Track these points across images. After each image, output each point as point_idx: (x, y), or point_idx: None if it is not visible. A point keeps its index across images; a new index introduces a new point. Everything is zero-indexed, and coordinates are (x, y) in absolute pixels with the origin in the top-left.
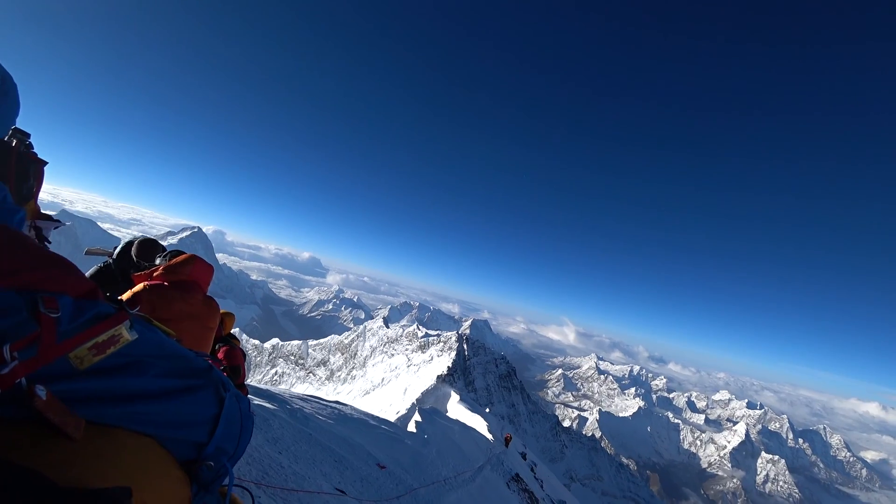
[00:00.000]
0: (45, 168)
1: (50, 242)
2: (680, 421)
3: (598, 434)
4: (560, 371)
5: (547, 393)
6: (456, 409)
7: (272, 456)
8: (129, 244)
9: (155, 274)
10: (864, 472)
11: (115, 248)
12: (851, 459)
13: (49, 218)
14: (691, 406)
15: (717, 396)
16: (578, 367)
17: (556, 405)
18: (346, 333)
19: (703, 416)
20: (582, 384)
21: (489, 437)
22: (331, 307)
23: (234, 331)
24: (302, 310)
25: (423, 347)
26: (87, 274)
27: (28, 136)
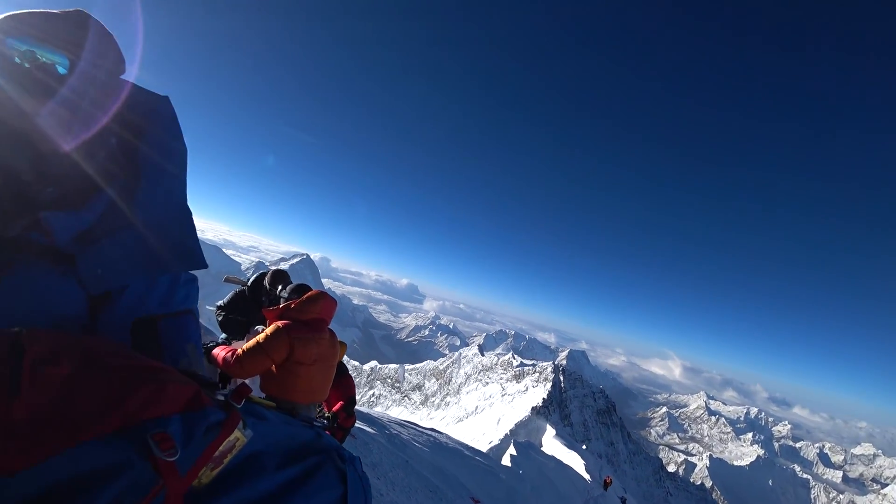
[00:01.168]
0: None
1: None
2: (810, 476)
3: (708, 483)
4: (664, 409)
5: (649, 432)
6: (551, 443)
7: (371, 481)
8: (262, 275)
9: (287, 311)
10: None
11: (250, 278)
12: None
13: None
14: (824, 459)
15: (857, 450)
16: (685, 405)
17: (660, 446)
18: (442, 359)
19: (840, 473)
20: (689, 425)
21: (586, 477)
22: (427, 333)
23: None
24: (399, 334)
25: (517, 377)
26: (224, 301)
27: None
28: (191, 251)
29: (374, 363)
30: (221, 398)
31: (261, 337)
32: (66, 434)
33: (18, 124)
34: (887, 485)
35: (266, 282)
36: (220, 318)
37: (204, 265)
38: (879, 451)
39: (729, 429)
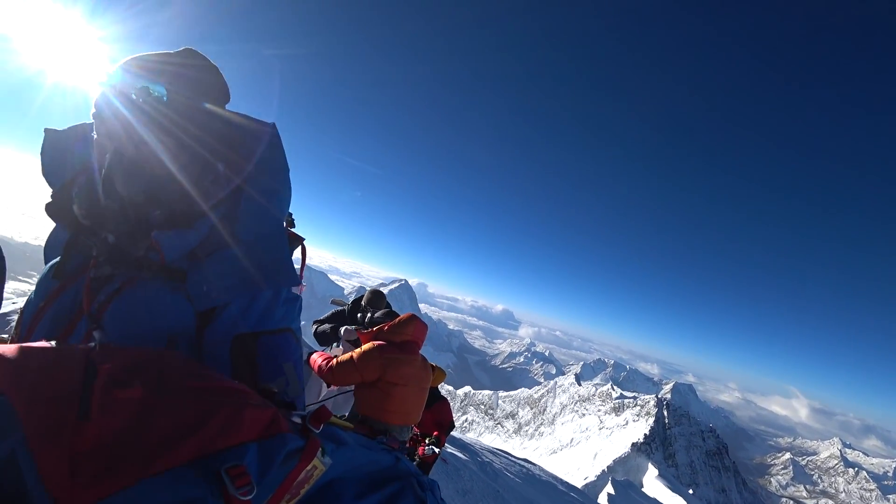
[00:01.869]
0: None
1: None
2: None
3: None
4: (788, 455)
5: (769, 481)
6: (653, 485)
7: None
8: (361, 297)
9: (380, 333)
10: None
11: (351, 300)
12: None
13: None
14: None
15: None
16: (815, 453)
17: (783, 499)
18: (536, 388)
19: None
20: (820, 476)
21: None
22: (522, 360)
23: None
24: (494, 360)
25: (617, 410)
26: (325, 315)
27: (291, 215)
28: (286, 269)
29: (467, 388)
30: (299, 420)
31: (356, 352)
32: (135, 466)
33: (134, 153)
34: None
35: (364, 301)
36: (313, 330)
37: (297, 282)
38: None
39: (873, 485)
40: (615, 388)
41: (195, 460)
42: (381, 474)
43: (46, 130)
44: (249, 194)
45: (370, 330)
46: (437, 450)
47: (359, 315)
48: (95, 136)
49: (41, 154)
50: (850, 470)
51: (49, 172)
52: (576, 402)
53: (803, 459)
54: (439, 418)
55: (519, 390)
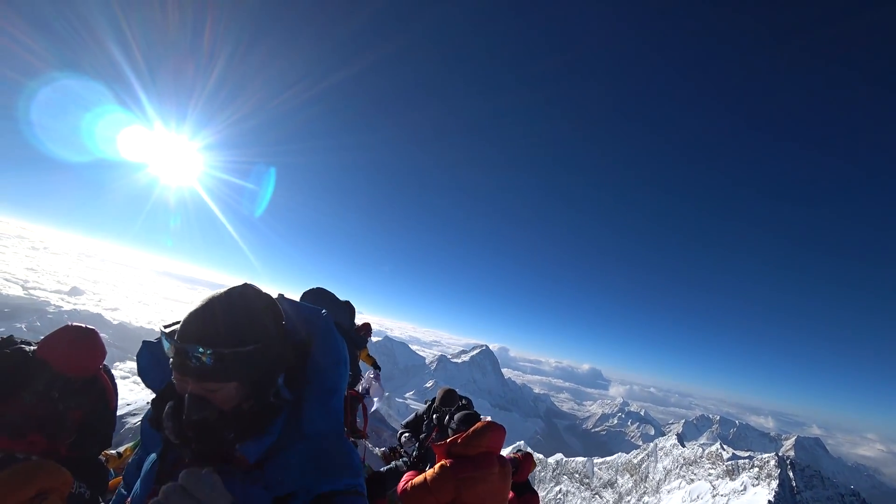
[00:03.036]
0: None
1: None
2: None
3: None
4: None
5: None
6: None
7: None
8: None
9: (453, 447)
10: None
11: (426, 404)
12: None
13: (376, 367)
14: None
15: None
16: None
17: None
18: (635, 452)
19: None
20: None
21: None
22: (616, 421)
23: (520, 443)
24: (585, 424)
25: (730, 472)
26: (408, 419)
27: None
28: (344, 462)
29: (559, 456)
30: None
31: (429, 474)
32: None
33: (203, 393)
34: None
35: (437, 400)
36: (398, 434)
37: (359, 475)
38: None
39: None
40: (725, 447)
41: None
42: None
43: (145, 343)
44: (312, 388)
45: (444, 443)
46: None
47: (435, 417)
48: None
49: (137, 357)
50: None
51: (144, 375)
52: (681, 466)
53: None
54: None
55: (616, 455)
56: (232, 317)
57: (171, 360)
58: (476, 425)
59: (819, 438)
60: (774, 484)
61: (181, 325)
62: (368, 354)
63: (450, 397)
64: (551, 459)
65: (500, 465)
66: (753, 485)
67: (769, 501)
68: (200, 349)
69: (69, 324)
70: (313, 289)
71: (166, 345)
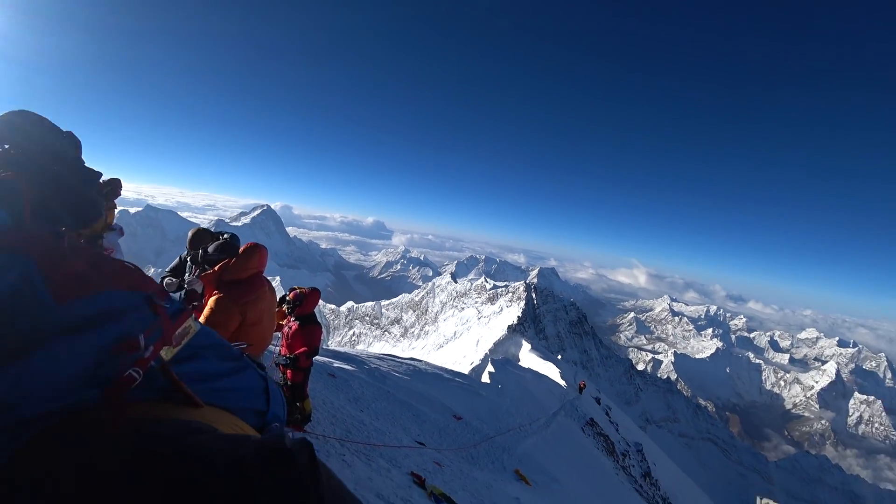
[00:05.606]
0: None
1: (110, 250)
2: (762, 361)
3: (673, 376)
4: (632, 315)
5: (619, 337)
6: (528, 357)
7: (354, 415)
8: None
9: (224, 273)
10: None
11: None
12: None
13: (111, 229)
14: (774, 345)
15: (802, 335)
16: (651, 309)
17: (629, 349)
18: (416, 291)
19: (787, 356)
20: (655, 327)
21: (562, 383)
22: (399, 267)
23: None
24: (372, 272)
25: (492, 299)
26: (169, 268)
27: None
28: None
29: (350, 304)
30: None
31: (206, 312)
32: (102, 283)
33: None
34: (826, 362)
35: (187, 244)
36: (160, 279)
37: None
38: (821, 333)
39: (691, 327)
40: (488, 280)
41: (133, 290)
42: (233, 354)
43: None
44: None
45: (213, 270)
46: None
47: (189, 258)
48: None
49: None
50: (676, 318)
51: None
52: (454, 299)
53: (643, 316)
54: (308, 341)
55: (400, 296)
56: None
57: None
58: (243, 248)
59: (554, 268)
60: (522, 304)
61: None
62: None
63: (200, 237)
64: (343, 308)
65: (268, 283)
66: (508, 306)
67: (518, 316)
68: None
69: None
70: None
71: None
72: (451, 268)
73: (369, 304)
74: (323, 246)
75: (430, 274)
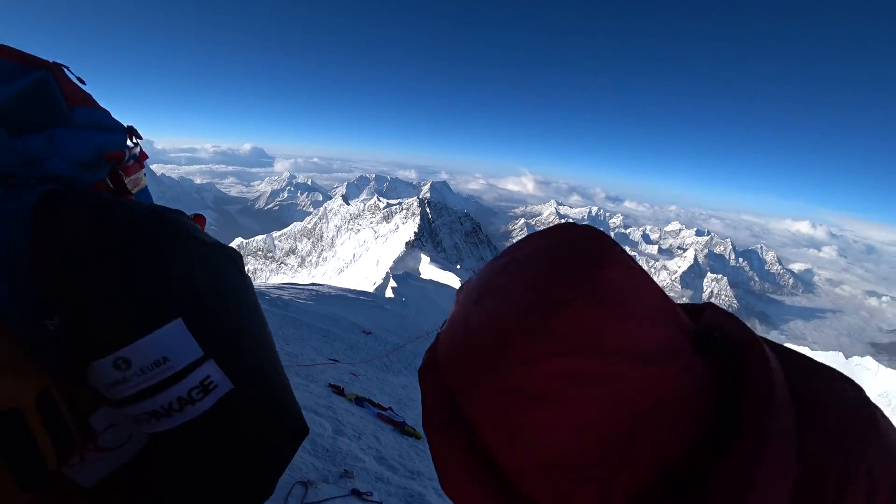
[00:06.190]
0: None
1: None
2: (636, 253)
3: None
4: (523, 220)
5: (512, 242)
6: (428, 269)
7: None
8: None
9: None
10: (791, 281)
11: None
12: (782, 272)
13: None
14: (646, 239)
15: (669, 228)
16: (539, 214)
17: None
18: (308, 218)
19: (656, 247)
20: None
21: None
22: (286, 195)
23: None
24: (257, 204)
25: (387, 218)
26: None
27: None
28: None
29: (239, 240)
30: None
31: None
32: (96, 103)
33: None
34: (687, 249)
35: None
36: None
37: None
38: (683, 226)
39: None
40: (381, 199)
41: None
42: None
43: None
44: None
45: None
46: None
47: None
48: None
49: None
50: (562, 220)
51: None
52: (349, 221)
53: (533, 221)
54: None
55: (292, 226)
56: None
57: None
58: None
59: (446, 181)
60: (418, 219)
61: None
62: None
63: None
64: (232, 245)
65: None
66: (403, 223)
67: (414, 232)
68: None
69: None
70: None
71: None
72: (342, 190)
73: (260, 237)
74: (198, 181)
75: (321, 199)
